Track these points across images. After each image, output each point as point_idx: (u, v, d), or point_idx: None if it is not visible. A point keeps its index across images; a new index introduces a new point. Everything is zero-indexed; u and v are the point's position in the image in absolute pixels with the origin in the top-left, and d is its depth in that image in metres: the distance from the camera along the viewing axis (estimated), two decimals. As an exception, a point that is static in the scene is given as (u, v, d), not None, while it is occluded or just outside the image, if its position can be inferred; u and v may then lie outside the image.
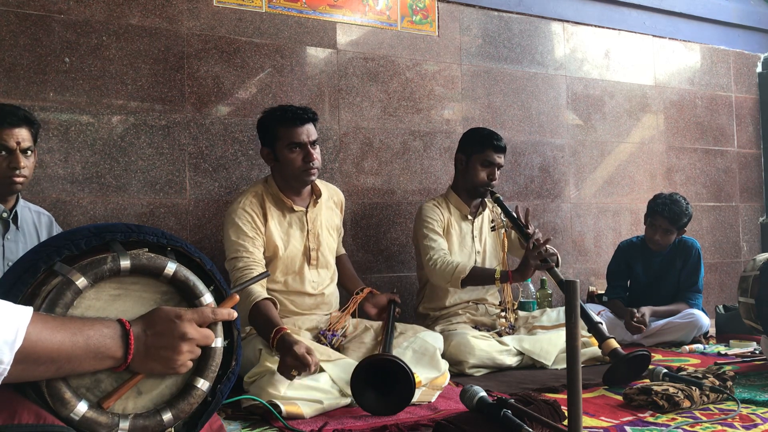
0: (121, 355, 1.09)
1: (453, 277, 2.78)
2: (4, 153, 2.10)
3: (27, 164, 2.15)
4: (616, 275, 3.59)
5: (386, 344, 2.24)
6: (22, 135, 2.13)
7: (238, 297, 1.33)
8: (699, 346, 3.16)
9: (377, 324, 2.57)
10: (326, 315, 2.59)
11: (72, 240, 1.19)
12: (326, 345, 2.37)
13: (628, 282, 3.62)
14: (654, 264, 3.51)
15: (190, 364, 1.18)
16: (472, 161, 3.00)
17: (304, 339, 2.30)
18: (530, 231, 2.81)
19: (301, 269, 2.54)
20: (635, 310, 3.22)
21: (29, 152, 2.16)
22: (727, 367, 2.37)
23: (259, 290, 2.26)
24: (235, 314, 1.26)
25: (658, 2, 4.40)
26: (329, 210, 2.69)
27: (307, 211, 2.57)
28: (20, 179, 2.13)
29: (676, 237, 3.42)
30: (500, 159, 3.01)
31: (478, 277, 2.80)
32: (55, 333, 1.00)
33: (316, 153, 2.48)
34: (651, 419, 1.88)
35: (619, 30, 4.31)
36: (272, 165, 2.55)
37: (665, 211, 3.32)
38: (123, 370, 1.12)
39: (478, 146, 2.99)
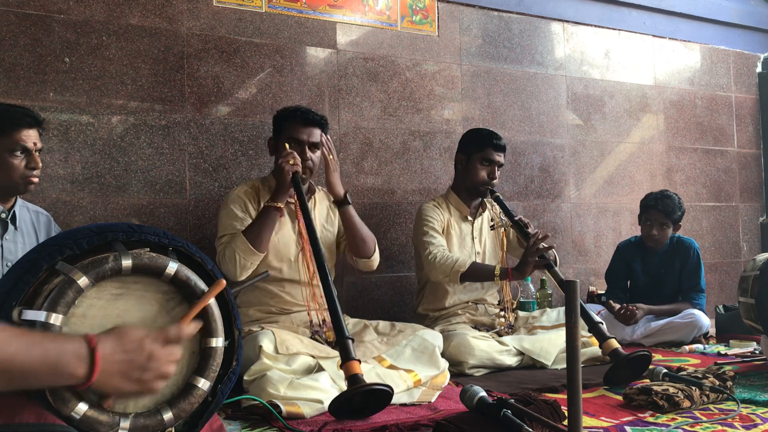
0: (83, 374, 1.03)
1: (452, 271, 2.78)
2: (20, 154, 2.11)
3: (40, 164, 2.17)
4: (615, 276, 3.60)
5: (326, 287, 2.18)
6: (37, 135, 2.16)
7: (224, 282, 1.31)
8: (699, 346, 3.16)
9: (376, 323, 2.58)
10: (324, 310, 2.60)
11: (74, 239, 1.19)
12: (323, 344, 2.38)
13: (628, 283, 3.62)
14: (652, 263, 3.52)
15: (160, 385, 1.13)
16: (472, 160, 3.01)
17: (302, 337, 2.32)
18: (530, 230, 2.81)
19: (296, 258, 2.57)
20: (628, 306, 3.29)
21: (39, 153, 2.19)
22: (727, 367, 2.37)
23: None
24: (198, 326, 1.24)
25: (658, 2, 4.40)
26: (325, 209, 2.73)
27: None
28: (36, 179, 2.16)
29: (672, 232, 3.44)
30: (500, 158, 3.02)
31: (478, 272, 2.81)
32: (9, 343, 0.96)
33: (315, 156, 2.57)
34: (651, 419, 1.88)
35: (619, 30, 4.31)
36: (273, 155, 2.66)
37: (659, 205, 3.38)
38: (85, 389, 1.06)
39: (478, 145, 3.00)
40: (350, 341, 1.99)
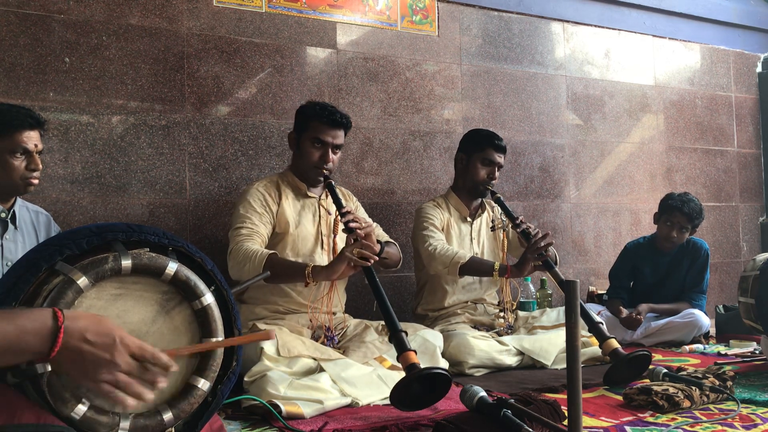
0: (45, 352, 0.99)
1: (452, 262, 2.78)
2: (21, 155, 2.11)
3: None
4: (620, 276, 3.58)
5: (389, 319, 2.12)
6: (38, 137, 2.15)
7: (275, 334, 1.32)
8: (699, 346, 3.16)
9: (377, 323, 2.57)
10: (333, 313, 2.60)
11: (73, 239, 1.19)
12: (328, 345, 2.38)
13: (631, 283, 3.61)
14: (662, 265, 3.51)
15: (110, 389, 1.04)
16: (472, 160, 3.02)
17: (304, 338, 2.31)
18: (531, 231, 2.81)
19: (313, 253, 2.57)
20: (632, 312, 3.28)
21: (40, 154, 2.19)
22: (727, 367, 2.37)
23: (260, 248, 2.34)
24: (175, 367, 1.13)
25: (658, 2, 4.40)
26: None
27: (320, 199, 2.65)
28: (36, 181, 2.16)
29: (688, 236, 3.43)
30: (500, 158, 3.02)
31: (477, 266, 2.81)
32: None
33: (335, 157, 2.59)
34: (651, 419, 1.88)
35: (619, 30, 4.31)
36: (294, 151, 2.66)
37: (686, 208, 3.32)
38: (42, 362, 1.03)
39: (479, 145, 3.01)
40: (404, 334, 2.03)
